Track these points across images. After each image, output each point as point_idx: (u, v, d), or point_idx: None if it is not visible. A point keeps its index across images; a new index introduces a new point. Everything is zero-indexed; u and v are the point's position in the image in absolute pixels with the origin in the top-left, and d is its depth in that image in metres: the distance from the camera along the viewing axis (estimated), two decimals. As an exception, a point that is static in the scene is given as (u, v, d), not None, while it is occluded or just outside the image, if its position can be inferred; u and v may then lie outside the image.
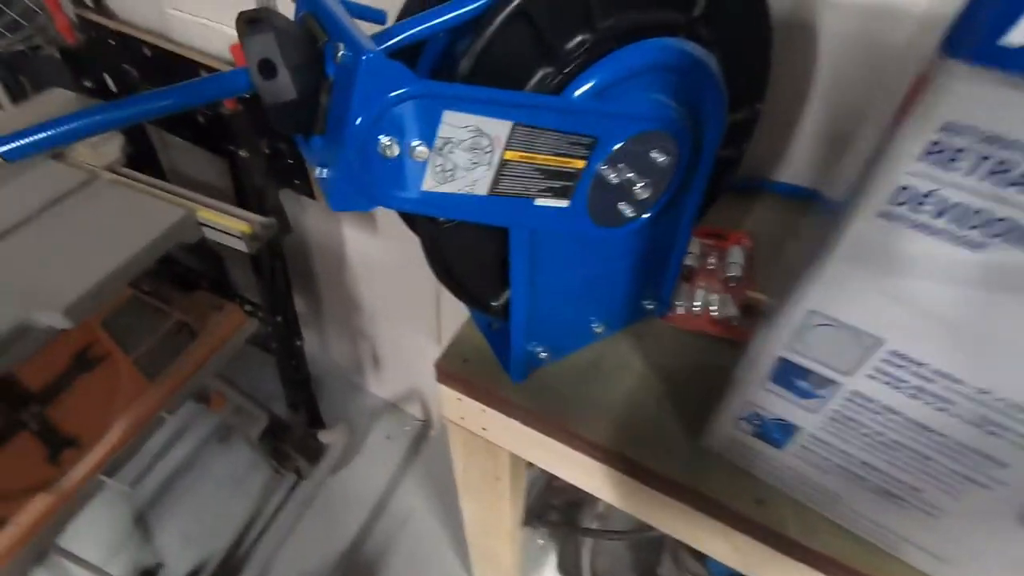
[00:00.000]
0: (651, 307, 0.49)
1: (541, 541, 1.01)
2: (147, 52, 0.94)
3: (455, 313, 1.03)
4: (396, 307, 1.16)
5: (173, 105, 0.25)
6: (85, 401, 0.76)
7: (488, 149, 0.28)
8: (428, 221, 0.33)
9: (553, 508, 0.88)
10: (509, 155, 0.29)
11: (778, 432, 0.36)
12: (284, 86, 0.25)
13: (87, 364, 0.77)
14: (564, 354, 0.47)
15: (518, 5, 0.26)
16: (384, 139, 0.25)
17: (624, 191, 0.35)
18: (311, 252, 1.17)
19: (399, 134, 0.25)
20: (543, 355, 0.45)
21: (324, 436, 1.21)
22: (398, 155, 0.26)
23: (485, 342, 0.49)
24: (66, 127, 0.25)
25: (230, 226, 0.74)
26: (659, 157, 0.35)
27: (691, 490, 0.40)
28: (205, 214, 0.74)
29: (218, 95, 0.26)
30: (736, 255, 0.54)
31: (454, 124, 0.26)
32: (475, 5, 0.28)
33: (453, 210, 0.30)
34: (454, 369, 0.48)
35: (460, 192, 0.29)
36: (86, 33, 0.98)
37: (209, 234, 0.76)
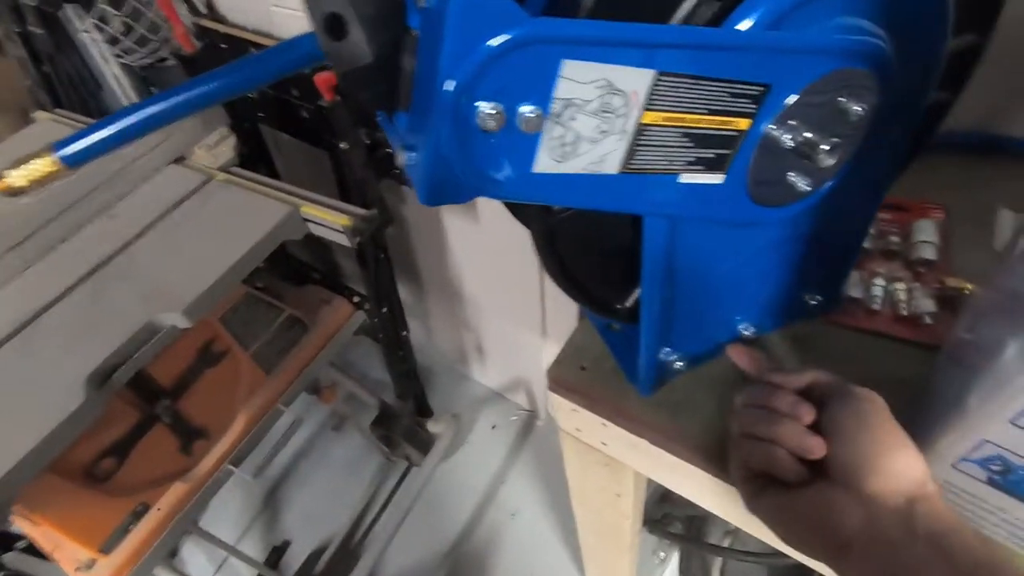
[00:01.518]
0: (816, 303, 0.39)
1: (662, 554, 0.92)
2: (254, 52, 0.96)
3: (561, 302, 0.97)
4: (499, 296, 1.12)
5: (230, 86, 0.21)
6: (211, 394, 0.79)
7: (622, 111, 0.21)
8: (541, 211, 0.26)
9: (675, 518, 0.79)
10: (650, 117, 0.22)
11: (1033, 484, 0.26)
12: (358, 47, 0.19)
13: (211, 359, 0.81)
14: (703, 362, 0.39)
15: None
16: (484, 106, 0.19)
17: (800, 157, 0.26)
18: (413, 242, 1.16)
19: (504, 98, 0.19)
20: (678, 365, 0.37)
21: (432, 426, 1.21)
22: (503, 126, 0.19)
23: (604, 346, 0.42)
24: (123, 123, 0.21)
25: (332, 220, 0.72)
26: (852, 106, 0.25)
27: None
28: (308, 210, 0.74)
29: (282, 69, 0.21)
30: (926, 231, 0.42)
31: (577, 79, 0.19)
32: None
33: (574, 196, 0.23)
34: (569, 378, 0.42)
35: (583, 172, 0.22)
36: (202, 40, 1.03)
37: (314, 229, 0.76)
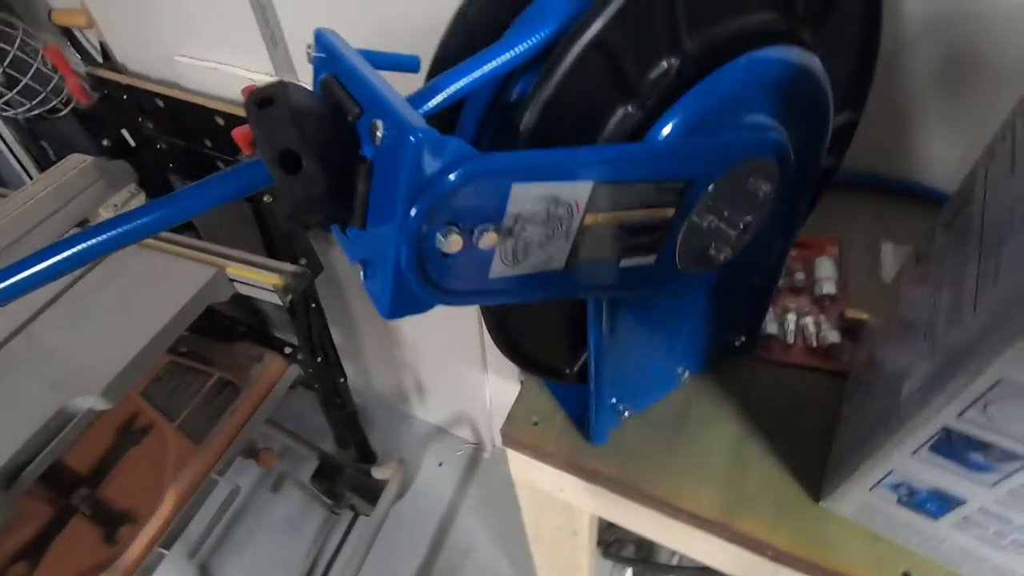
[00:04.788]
0: (740, 343, 0.43)
1: None
2: (159, 103, 0.92)
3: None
4: (436, 330, 1.11)
5: (168, 217, 0.20)
6: (135, 475, 0.74)
7: (566, 218, 0.23)
8: (493, 300, 0.27)
9: (626, 541, 0.82)
10: (590, 219, 0.24)
11: (935, 504, 0.30)
12: (312, 180, 0.20)
13: (133, 437, 0.75)
14: (646, 406, 0.41)
15: (596, 35, 0.21)
16: (443, 232, 0.20)
17: (719, 231, 0.29)
18: (343, 283, 1.14)
19: (461, 222, 0.20)
20: (625, 413, 0.39)
21: (377, 472, 1.18)
22: (462, 248, 0.20)
23: (553, 399, 0.44)
24: (52, 261, 0.20)
25: (262, 280, 0.70)
26: (760, 187, 0.28)
27: (821, 567, 0.34)
28: (235, 270, 0.71)
29: (228, 197, 0.21)
30: (826, 267, 0.47)
31: (525, 198, 0.21)
32: (537, 41, 0.23)
33: (526, 293, 0.24)
34: (522, 434, 0.43)
35: (533, 272, 0.24)
36: (99, 91, 0.96)
37: (241, 289, 0.73)
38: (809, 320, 0.45)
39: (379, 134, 0.19)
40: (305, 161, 0.19)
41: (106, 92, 0.95)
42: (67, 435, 0.58)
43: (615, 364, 0.35)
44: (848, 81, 0.32)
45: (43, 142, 1.09)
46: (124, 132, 1.01)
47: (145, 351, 0.62)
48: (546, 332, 0.32)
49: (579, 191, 0.22)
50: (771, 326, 0.45)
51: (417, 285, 0.20)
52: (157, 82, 0.93)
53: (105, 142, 0.99)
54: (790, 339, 0.44)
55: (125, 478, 0.73)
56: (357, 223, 0.21)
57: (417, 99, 0.22)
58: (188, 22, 0.84)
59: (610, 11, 0.21)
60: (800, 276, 0.47)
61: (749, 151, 0.27)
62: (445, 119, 0.27)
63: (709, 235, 0.29)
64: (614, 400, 0.38)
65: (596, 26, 0.21)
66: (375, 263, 0.21)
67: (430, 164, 0.18)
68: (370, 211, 0.21)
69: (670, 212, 0.26)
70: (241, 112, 0.83)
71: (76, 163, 0.78)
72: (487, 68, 0.23)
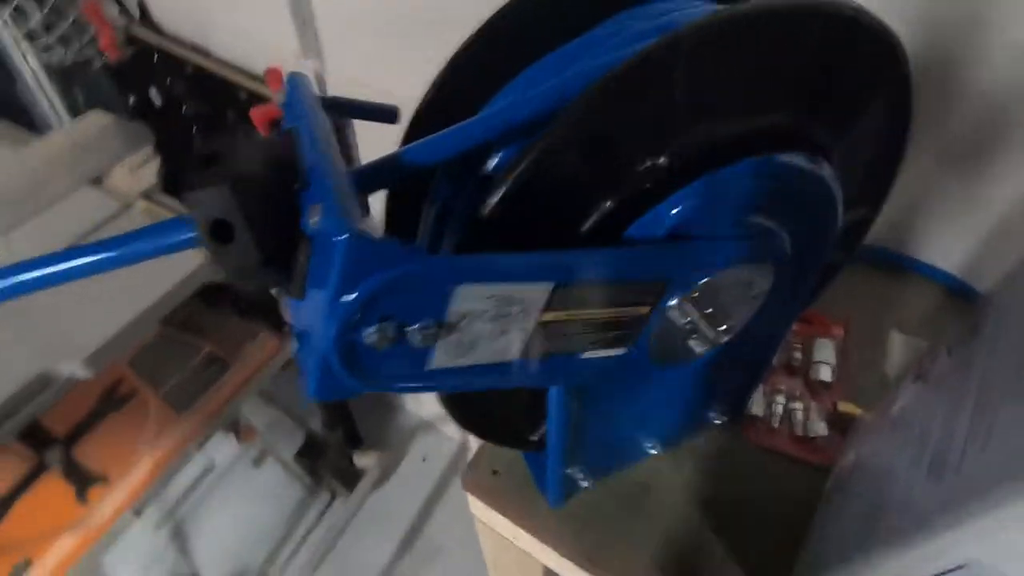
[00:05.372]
0: (720, 421, 0.41)
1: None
2: (187, 69, 0.91)
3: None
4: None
5: (91, 268, 0.19)
6: (112, 439, 0.74)
7: (521, 316, 0.21)
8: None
9: None
10: (550, 315, 0.22)
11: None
12: (245, 250, 0.18)
13: (115, 403, 0.76)
14: (608, 475, 0.40)
15: (578, 122, 0.19)
16: (371, 331, 0.18)
17: (700, 329, 0.27)
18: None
19: (394, 321, 0.18)
20: (584, 484, 0.38)
21: (360, 459, 1.18)
22: (395, 343, 0.19)
23: (517, 452, 0.42)
24: None
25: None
26: (750, 290, 0.26)
27: None
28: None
29: (149, 254, 0.19)
30: (825, 351, 0.45)
31: (471, 297, 0.19)
32: (519, 116, 0.21)
33: (476, 382, 0.23)
34: (482, 482, 0.42)
35: (483, 363, 0.22)
36: (131, 48, 0.96)
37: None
38: (799, 406, 0.42)
39: (314, 220, 0.17)
40: (238, 232, 0.18)
41: (138, 50, 0.95)
42: (46, 398, 0.58)
43: (577, 438, 0.33)
44: (867, 178, 0.29)
45: (76, 89, 1.10)
46: (152, 91, 1.01)
47: (134, 323, 0.62)
48: (505, 399, 0.30)
49: (535, 292, 0.20)
50: (758, 406, 0.42)
51: (346, 376, 0.19)
52: (189, 46, 0.93)
53: (132, 99, 0.99)
54: (775, 422, 0.42)
55: (102, 441, 0.74)
56: (295, 294, 0.20)
57: (371, 173, 0.21)
58: (225, -9, 0.83)
59: (597, 97, 0.19)
60: (798, 355, 0.45)
61: (738, 255, 0.25)
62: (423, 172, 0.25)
63: (688, 332, 0.27)
64: (574, 468, 0.37)
65: (576, 114, 0.20)
66: (308, 340, 0.20)
67: (359, 266, 0.16)
68: (308, 286, 0.19)
69: (644, 310, 0.24)
70: (264, 90, 0.82)
71: (97, 121, 0.78)
72: (459, 142, 0.21)
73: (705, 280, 0.24)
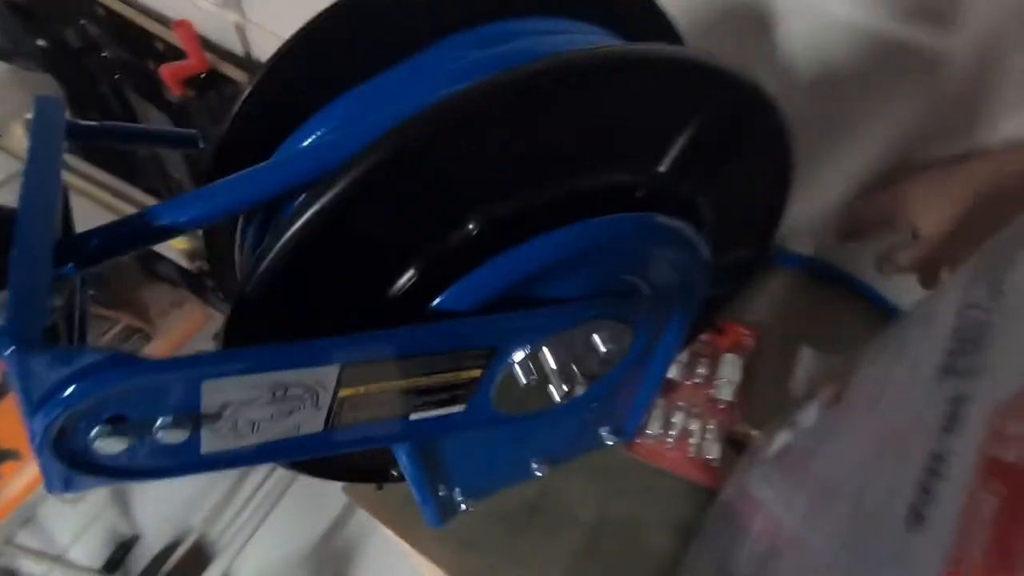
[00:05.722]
0: (611, 441, 0.39)
1: None
2: (100, 12, 0.83)
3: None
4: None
5: None
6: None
7: (307, 397, 0.18)
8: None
9: None
10: (349, 391, 0.19)
11: None
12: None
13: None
14: (490, 495, 0.38)
15: (366, 171, 0.16)
16: (101, 431, 0.16)
17: (553, 382, 0.25)
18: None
19: (132, 420, 0.16)
20: (463, 506, 0.36)
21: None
22: (136, 442, 0.16)
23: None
24: None
25: (170, 243, 0.65)
26: (603, 346, 0.24)
27: None
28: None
29: None
30: (729, 368, 0.43)
31: (227, 389, 0.17)
32: (304, 168, 0.18)
33: (274, 456, 0.21)
34: (367, 495, 0.40)
35: (278, 439, 0.20)
36: (38, -18, 0.87)
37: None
38: (695, 426, 0.41)
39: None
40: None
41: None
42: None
43: (440, 471, 0.31)
44: (748, 220, 0.27)
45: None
46: (67, 33, 0.92)
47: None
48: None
49: (316, 375, 0.18)
50: (655, 423, 0.41)
51: (88, 478, 0.17)
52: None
53: (41, 42, 0.90)
54: (669, 441, 0.41)
55: (12, 418, 0.71)
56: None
57: (125, 231, 0.18)
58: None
59: (391, 148, 0.16)
60: (702, 371, 0.44)
61: (585, 313, 0.22)
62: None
63: (539, 386, 0.25)
64: (448, 490, 0.35)
65: (364, 167, 0.16)
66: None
67: (35, 382, 0.14)
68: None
69: (475, 373, 0.22)
70: (179, 45, 0.75)
71: (-11, 71, 0.71)
72: (234, 202, 0.18)
73: (543, 341, 0.22)
